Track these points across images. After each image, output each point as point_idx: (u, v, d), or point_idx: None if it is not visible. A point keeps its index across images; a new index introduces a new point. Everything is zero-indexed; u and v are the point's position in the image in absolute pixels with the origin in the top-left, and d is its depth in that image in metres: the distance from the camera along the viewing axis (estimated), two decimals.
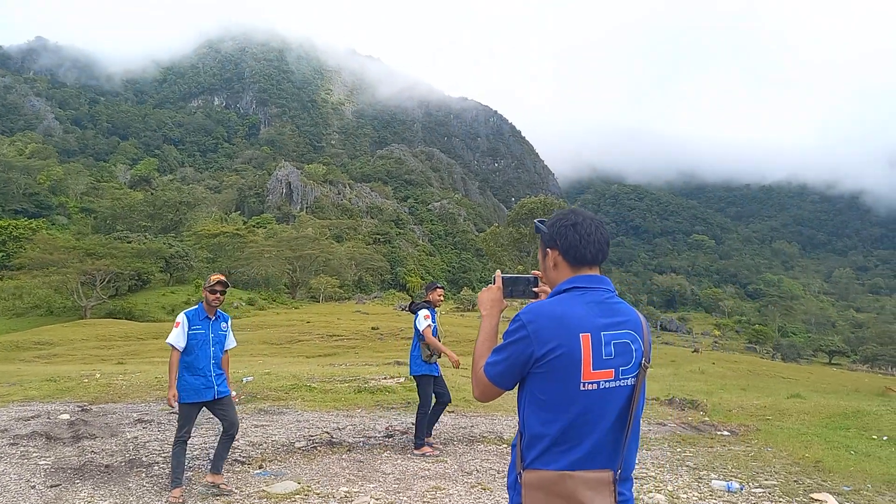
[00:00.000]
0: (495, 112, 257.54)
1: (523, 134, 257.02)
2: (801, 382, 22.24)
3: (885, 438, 8.00)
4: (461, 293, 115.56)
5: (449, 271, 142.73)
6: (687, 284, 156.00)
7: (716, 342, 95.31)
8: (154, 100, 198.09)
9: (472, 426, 8.75)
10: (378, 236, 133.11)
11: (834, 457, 7.03)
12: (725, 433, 8.60)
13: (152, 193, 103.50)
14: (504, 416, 9.59)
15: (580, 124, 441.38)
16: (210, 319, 5.53)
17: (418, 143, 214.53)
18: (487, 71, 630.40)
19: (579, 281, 2.02)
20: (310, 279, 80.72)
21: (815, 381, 33.90)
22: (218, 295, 5.51)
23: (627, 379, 1.93)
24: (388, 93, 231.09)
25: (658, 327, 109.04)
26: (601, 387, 1.89)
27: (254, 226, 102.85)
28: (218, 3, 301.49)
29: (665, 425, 9.33)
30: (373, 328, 41.95)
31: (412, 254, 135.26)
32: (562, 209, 2.24)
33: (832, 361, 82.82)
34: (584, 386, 1.87)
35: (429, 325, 7.08)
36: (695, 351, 58.01)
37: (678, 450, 7.51)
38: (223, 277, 5.61)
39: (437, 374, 7.23)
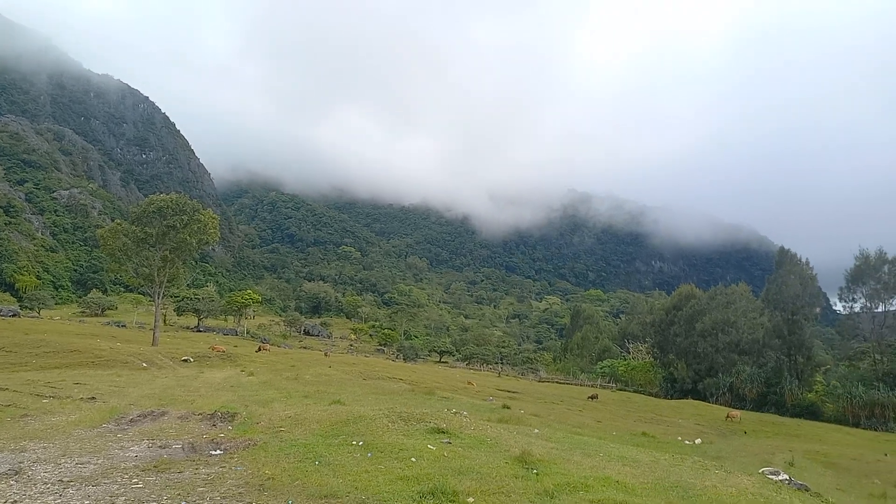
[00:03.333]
0: (146, 98, 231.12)
1: (178, 127, 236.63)
2: (364, 387, 24.61)
3: (360, 444, 8.97)
4: (89, 295, 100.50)
5: (76, 270, 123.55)
6: (333, 292, 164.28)
7: (352, 345, 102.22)
8: None
9: None
10: None
11: (294, 471, 7.49)
12: (217, 453, 8.55)
13: None
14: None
15: (241, 127, 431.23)
16: None
17: (45, 119, 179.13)
18: (142, 52, 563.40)
19: None
20: None
21: (416, 378, 38.40)
22: None
23: None
24: (5, 52, 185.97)
25: (302, 332, 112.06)
26: None
27: None
28: None
29: (167, 447, 8.90)
30: None
31: (27, 248, 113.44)
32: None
33: (441, 360, 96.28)
34: None
35: None
36: (326, 354, 61.05)
37: (134, 480, 7.09)
38: None
39: None
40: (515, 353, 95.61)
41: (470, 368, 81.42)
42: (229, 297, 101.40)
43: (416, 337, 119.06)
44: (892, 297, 60.62)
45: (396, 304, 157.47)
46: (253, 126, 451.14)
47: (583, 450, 9.82)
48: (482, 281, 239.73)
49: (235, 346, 52.14)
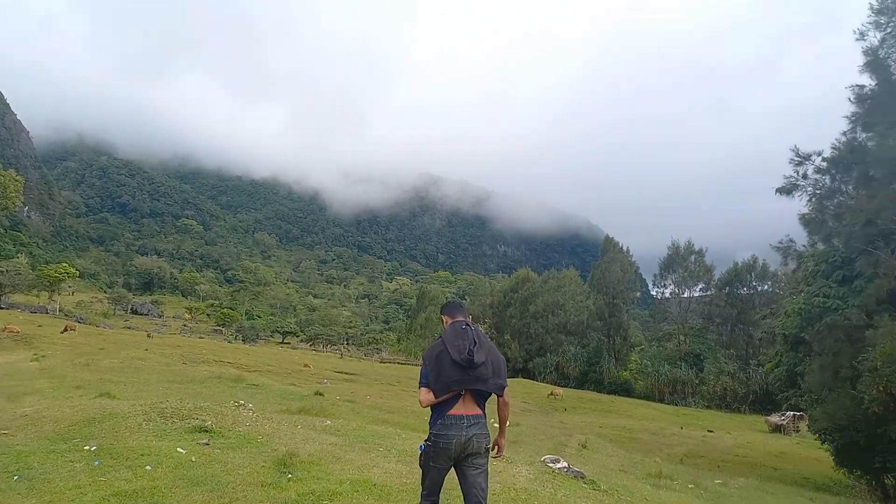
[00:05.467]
0: None
1: None
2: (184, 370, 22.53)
3: (94, 449, 7.56)
4: None
5: None
6: (168, 267, 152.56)
7: (185, 325, 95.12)
8: None
9: None
10: None
11: None
12: None
13: None
14: None
15: (68, 84, 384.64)
16: None
17: None
18: None
19: None
20: None
21: (248, 361, 36.07)
22: None
23: None
24: None
25: (129, 311, 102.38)
26: None
27: None
28: None
29: None
30: None
31: None
32: None
33: (284, 341, 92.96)
34: None
35: None
36: (149, 336, 56.11)
37: None
38: None
39: None
40: (362, 334, 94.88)
41: (313, 349, 79.41)
42: (40, 269, 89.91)
43: (260, 317, 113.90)
44: (696, 285, 68.21)
45: (240, 282, 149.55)
46: (82, 84, 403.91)
47: (366, 444, 9.18)
48: (333, 260, 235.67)
49: (40, 326, 46.10)
